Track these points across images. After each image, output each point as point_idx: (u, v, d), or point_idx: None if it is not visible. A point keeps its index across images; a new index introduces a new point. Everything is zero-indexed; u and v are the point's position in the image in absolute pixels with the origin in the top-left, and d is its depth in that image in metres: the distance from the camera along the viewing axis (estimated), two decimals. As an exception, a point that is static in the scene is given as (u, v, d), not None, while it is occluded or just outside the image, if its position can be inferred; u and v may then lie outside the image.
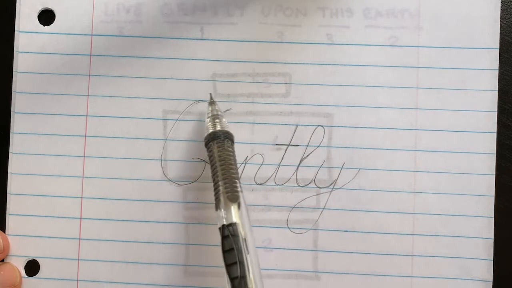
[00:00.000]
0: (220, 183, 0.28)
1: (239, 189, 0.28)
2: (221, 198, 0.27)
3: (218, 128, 0.29)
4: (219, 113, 0.30)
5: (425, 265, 0.32)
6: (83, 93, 0.33)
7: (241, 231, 0.26)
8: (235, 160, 0.29)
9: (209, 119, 0.30)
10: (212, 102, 0.31)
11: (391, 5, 0.32)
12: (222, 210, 0.27)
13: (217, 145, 0.29)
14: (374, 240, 0.32)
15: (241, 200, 0.27)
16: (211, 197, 0.32)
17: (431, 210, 0.32)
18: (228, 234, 0.26)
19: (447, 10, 0.32)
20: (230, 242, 0.26)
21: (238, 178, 0.28)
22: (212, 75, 0.32)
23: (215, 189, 0.28)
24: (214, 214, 0.32)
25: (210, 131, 0.29)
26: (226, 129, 0.30)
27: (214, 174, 0.28)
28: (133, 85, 0.32)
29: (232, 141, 0.29)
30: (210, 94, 0.32)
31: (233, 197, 0.27)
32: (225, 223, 0.27)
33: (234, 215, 0.27)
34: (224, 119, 0.30)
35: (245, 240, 0.26)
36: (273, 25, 0.32)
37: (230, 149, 0.29)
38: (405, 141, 0.32)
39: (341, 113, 0.32)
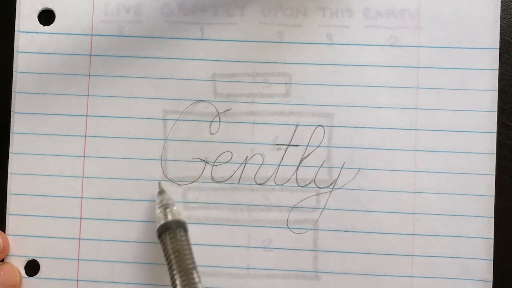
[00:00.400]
0: (176, 276, 0.27)
1: (196, 279, 0.27)
2: None
3: (170, 217, 0.29)
4: (169, 201, 0.30)
5: (425, 265, 0.32)
6: (83, 93, 0.33)
7: None
8: (190, 249, 0.28)
9: (159, 210, 0.30)
10: (161, 192, 0.31)
11: (391, 5, 0.32)
12: None
13: (170, 236, 0.28)
14: (374, 240, 0.32)
15: None
16: (211, 197, 0.32)
17: (431, 210, 0.32)
18: None
19: (447, 10, 0.32)
20: None
21: (195, 268, 0.28)
22: (212, 75, 0.32)
23: (172, 283, 0.27)
24: (215, 215, 0.32)
25: (162, 222, 0.29)
26: (177, 217, 0.29)
27: (170, 267, 0.28)
28: (133, 85, 0.32)
29: (185, 229, 0.29)
30: (159, 183, 0.32)
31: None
32: None
33: None
34: (175, 207, 0.30)
35: None
36: (273, 25, 0.32)
37: (183, 238, 0.28)
38: (405, 141, 0.32)
39: (341, 113, 0.32)
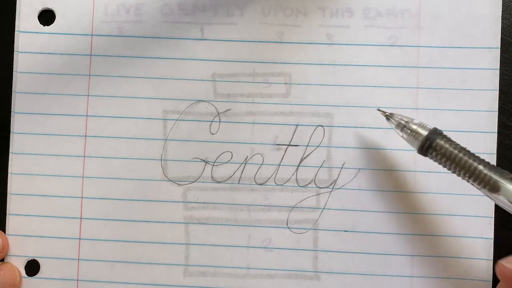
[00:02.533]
0: (480, 173, 0.26)
1: (495, 167, 0.26)
2: (495, 179, 0.26)
3: (423, 130, 0.28)
4: (405, 118, 0.29)
5: (425, 265, 0.32)
6: (83, 93, 0.33)
7: None
8: (461, 151, 0.27)
9: (404, 132, 0.28)
10: (389, 115, 0.29)
11: (391, 5, 0.32)
12: (503, 190, 0.25)
13: (443, 140, 0.27)
14: (374, 240, 0.32)
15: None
16: (211, 197, 0.32)
17: (431, 210, 0.32)
18: None
19: (448, 10, 0.32)
20: None
21: (479, 162, 0.26)
22: (212, 75, 0.32)
23: (477, 181, 0.26)
24: (215, 214, 0.32)
25: (422, 137, 0.27)
26: (425, 130, 0.28)
27: (462, 171, 0.26)
28: (133, 85, 0.32)
29: (440, 132, 0.28)
30: (378, 109, 0.30)
31: (504, 175, 0.26)
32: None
33: None
34: (414, 119, 0.28)
35: None
36: (273, 25, 0.32)
37: (451, 142, 0.27)
38: (405, 141, 0.32)
39: (341, 113, 0.32)
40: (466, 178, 0.27)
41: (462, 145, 0.26)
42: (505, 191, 0.26)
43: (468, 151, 0.27)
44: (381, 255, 0.32)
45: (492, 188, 0.26)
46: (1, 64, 0.33)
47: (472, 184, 0.27)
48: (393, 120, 0.29)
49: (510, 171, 0.31)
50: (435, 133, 0.28)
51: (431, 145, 0.27)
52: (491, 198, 0.26)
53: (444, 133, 0.28)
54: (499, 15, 0.32)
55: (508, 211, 0.26)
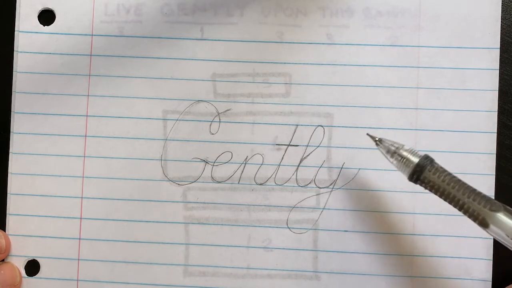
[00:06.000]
0: (466, 201, 0.25)
1: (487, 198, 0.25)
2: (485, 214, 0.25)
3: (414, 158, 0.27)
4: (395, 145, 0.28)
5: (425, 265, 0.32)
6: (83, 93, 0.33)
7: None
8: (454, 176, 0.26)
9: (394, 159, 0.27)
10: (379, 141, 0.28)
11: (391, 5, 0.32)
12: (494, 224, 0.25)
13: (431, 172, 0.26)
14: (374, 240, 0.32)
15: (502, 206, 0.25)
16: (211, 197, 0.32)
17: (431, 210, 0.32)
18: None
19: (448, 10, 0.32)
20: None
21: (475, 189, 0.26)
22: (212, 75, 0.32)
23: (465, 211, 0.25)
24: (215, 214, 0.32)
25: (411, 166, 0.26)
26: (418, 154, 0.27)
27: (452, 199, 0.26)
28: (133, 85, 0.32)
29: (431, 160, 0.26)
30: (367, 134, 0.30)
31: (495, 207, 0.25)
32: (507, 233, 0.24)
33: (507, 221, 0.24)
34: (404, 146, 0.27)
35: None
36: (273, 25, 0.32)
37: (441, 168, 0.26)
38: (405, 141, 0.32)
39: (341, 113, 0.32)
40: (463, 201, 0.26)
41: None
42: (494, 227, 0.25)
43: (459, 181, 0.26)
44: (381, 255, 0.32)
45: (481, 223, 0.25)
46: (1, 64, 0.33)
47: (466, 211, 0.26)
48: (382, 146, 0.28)
49: (510, 171, 0.31)
50: (425, 161, 0.26)
51: (419, 177, 0.26)
52: (486, 226, 0.25)
53: (436, 159, 0.27)
54: (499, 15, 0.32)
55: (501, 242, 0.25)
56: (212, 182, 0.32)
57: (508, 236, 0.24)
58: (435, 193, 0.26)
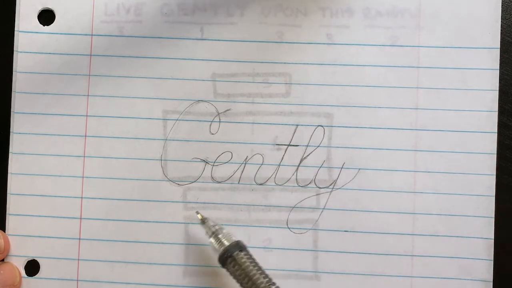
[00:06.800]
0: None
1: None
2: None
3: (222, 244, 0.29)
4: (216, 227, 0.30)
5: (425, 265, 0.32)
6: (83, 93, 0.33)
7: None
8: (256, 269, 0.28)
9: (211, 239, 0.29)
10: (203, 220, 0.30)
11: (391, 5, 0.32)
12: None
13: (231, 265, 0.28)
14: (374, 240, 0.32)
15: None
16: (211, 197, 0.32)
17: (431, 210, 0.32)
18: None
19: (448, 9, 0.32)
20: None
21: (269, 284, 0.27)
22: (212, 75, 0.32)
23: None
24: (215, 215, 0.32)
25: (219, 253, 0.29)
26: (229, 241, 0.29)
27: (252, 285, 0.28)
28: (133, 85, 0.32)
29: (242, 249, 0.29)
30: (197, 212, 0.31)
31: None
32: None
33: None
34: (224, 230, 0.29)
35: None
36: (273, 25, 0.32)
37: (243, 260, 0.28)
38: (405, 141, 0.32)
39: (341, 113, 0.32)
40: None
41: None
42: None
43: (259, 271, 0.28)
44: (381, 255, 0.32)
45: None
46: (1, 64, 0.33)
47: None
48: (205, 226, 0.30)
49: (511, 171, 0.31)
50: (234, 248, 0.28)
51: (225, 262, 0.28)
52: None
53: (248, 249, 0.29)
54: (499, 15, 0.32)
55: None
56: (212, 182, 0.32)
57: None
58: (237, 278, 0.28)
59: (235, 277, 0.28)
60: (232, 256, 0.28)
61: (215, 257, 0.29)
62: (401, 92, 0.32)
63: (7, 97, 0.33)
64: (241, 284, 0.28)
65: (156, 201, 0.32)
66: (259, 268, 0.28)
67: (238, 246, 0.29)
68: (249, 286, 0.28)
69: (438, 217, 0.32)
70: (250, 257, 0.29)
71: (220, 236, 0.29)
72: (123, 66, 0.33)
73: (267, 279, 0.28)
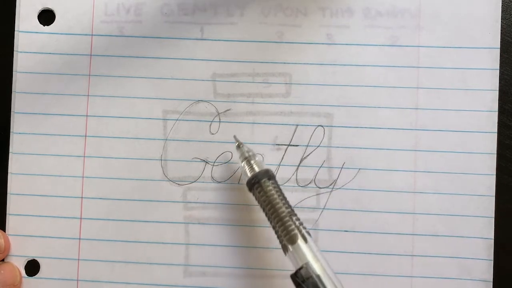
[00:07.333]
0: (277, 229, 0.27)
1: (293, 226, 0.27)
2: (284, 243, 0.27)
3: (253, 170, 0.29)
4: (249, 153, 0.30)
5: (425, 265, 0.32)
6: (83, 93, 0.33)
7: (314, 267, 0.26)
8: (280, 197, 0.28)
9: (243, 164, 0.30)
10: (238, 145, 0.30)
11: (391, 5, 0.32)
12: (288, 254, 0.27)
13: (257, 190, 0.28)
14: (374, 240, 0.32)
15: (300, 236, 0.27)
16: (211, 197, 0.32)
17: (431, 210, 0.32)
18: (300, 282, 0.25)
19: (448, 9, 0.32)
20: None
21: (290, 214, 0.27)
22: (212, 75, 0.32)
23: (276, 235, 0.28)
24: (215, 214, 0.32)
25: (247, 177, 0.29)
26: (259, 168, 0.29)
27: (268, 218, 0.28)
28: (133, 85, 0.32)
29: (270, 177, 0.29)
30: (234, 136, 0.31)
31: (291, 239, 0.27)
32: (297, 267, 0.26)
33: (301, 255, 0.26)
34: (256, 158, 0.30)
35: (319, 276, 0.25)
36: (273, 25, 0.32)
37: (269, 188, 0.28)
38: (405, 141, 0.32)
39: (341, 113, 0.32)
40: (273, 224, 0.28)
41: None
42: (294, 251, 0.27)
43: (282, 200, 0.28)
44: (381, 255, 0.32)
45: (290, 240, 0.27)
46: (1, 64, 0.33)
47: (276, 233, 0.28)
48: (240, 150, 0.30)
49: (511, 171, 0.31)
50: (264, 175, 0.28)
51: (252, 187, 0.29)
52: (285, 253, 0.27)
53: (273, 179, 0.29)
54: (499, 15, 0.32)
55: (294, 265, 0.27)
56: (212, 182, 0.32)
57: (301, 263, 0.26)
58: (261, 204, 0.28)
59: (259, 202, 0.28)
60: (259, 183, 0.28)
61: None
62: (401, 92, 0.32)
63: (7, 97, 0.33)
64: (264, 211, 0.28)
65: (156, 201, 0.32)
66: (284, 198, 0.28)
67: (267, 174, 0.29)
68: (271, 213, 0.28)
69: (438, 217, 0.32)
70: (276, 186, 0.29)
71: (252, 162, 0.29)
72: (123, 66, 0.33)
73: (288, 210, 0.27)
